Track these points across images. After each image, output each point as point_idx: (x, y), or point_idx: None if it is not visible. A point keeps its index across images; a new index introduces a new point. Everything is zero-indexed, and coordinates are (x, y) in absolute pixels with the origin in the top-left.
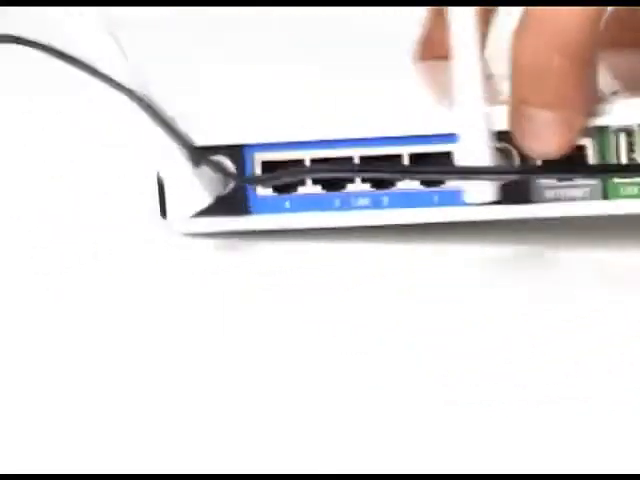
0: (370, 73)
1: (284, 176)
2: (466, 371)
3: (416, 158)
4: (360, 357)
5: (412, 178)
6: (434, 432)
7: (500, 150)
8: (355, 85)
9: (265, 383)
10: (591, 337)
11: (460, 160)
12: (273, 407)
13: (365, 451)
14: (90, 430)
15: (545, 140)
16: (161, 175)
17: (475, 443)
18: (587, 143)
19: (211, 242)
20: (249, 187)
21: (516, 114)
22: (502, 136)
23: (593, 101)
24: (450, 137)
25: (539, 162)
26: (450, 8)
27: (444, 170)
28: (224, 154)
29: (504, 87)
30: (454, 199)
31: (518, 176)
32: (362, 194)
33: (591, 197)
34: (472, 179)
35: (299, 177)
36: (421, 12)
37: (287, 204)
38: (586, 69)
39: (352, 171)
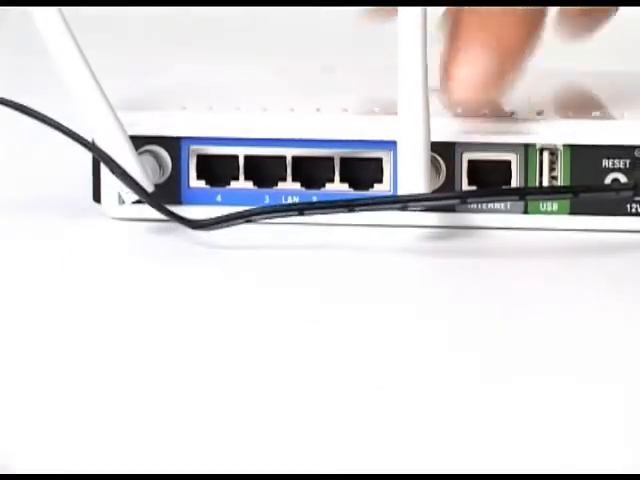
0: (313, 73)
1: (231, 219)
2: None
3: (347, 162)
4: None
5: (356, 211)
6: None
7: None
8: (297, 85)
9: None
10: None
11: (398, 169)
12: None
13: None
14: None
15: (472, 65)
16: (104, 155)
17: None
18: (512, 159)
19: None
20: (182, 179)
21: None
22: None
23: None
24: (384, 144)
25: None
26: (399, 13)
27: (384, 201)
28: (160, 145)
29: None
30: None
31: (456, 201)
32: (292, 192)
33: (512, 211)
34: (410, 208)
35: (246, 219)
36: None
37: (219, 197)
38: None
39: (297, 210)
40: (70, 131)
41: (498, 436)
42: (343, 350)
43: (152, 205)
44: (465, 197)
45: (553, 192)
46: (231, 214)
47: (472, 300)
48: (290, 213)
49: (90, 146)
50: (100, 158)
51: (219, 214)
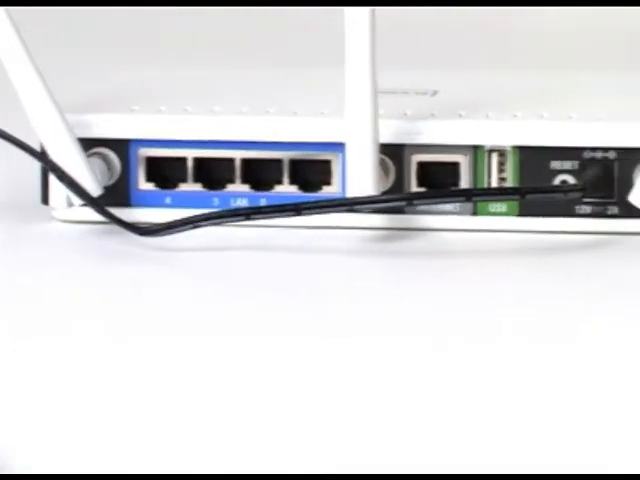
0: (264, 76)
1: (178, 226)
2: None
3: (296, 164)
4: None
5: (303, 214)
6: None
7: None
8: (244, 88)
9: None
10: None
11: (346, 171)
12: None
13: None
14: None
15: None
16: (52, 163)
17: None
18: (461, 160)
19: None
20: (131, 181)
21: None
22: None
23: None
24: (332, 146)
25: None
26: (345, 15)
27: (331, 204)
28: (109, 148)
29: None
30: None
31: (403, 202)
32: (241, 194)
33: (461, 212)
34: (358, 210)
35: (193, 225)
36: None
37: (168, 200)
38: None
39: (244, 215)
40: (17, 140)
41: (455, 439)
42: (288, 352)
43: (99, 212)
44: (411, 199)
45: (499, 193)
46: (178, 220)
47: (420, 301)
48: (237, 218)
49: (38, 155)
50: (48, 166)
51: (168, 217)
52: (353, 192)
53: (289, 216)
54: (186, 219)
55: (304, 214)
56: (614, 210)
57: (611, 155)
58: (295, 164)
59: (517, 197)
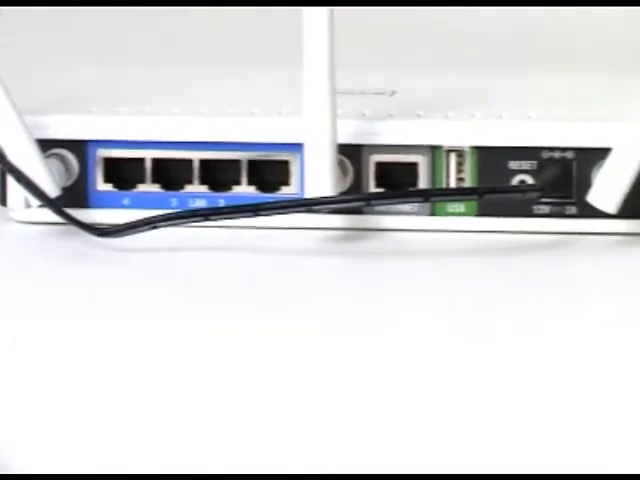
0: (222, 76)
1: (136, 227)
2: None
3: (254, 165)
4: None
5: (261, 215)
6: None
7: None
8: (202, 88)
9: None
10: None
11: (304, 171)
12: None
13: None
14: None
15: None
16: (9, 164)
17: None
18: (419, 161)
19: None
20: (89, 182)
21: None
22: (339, 149)
23: None
24: (290, 146)
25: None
26: (304, 15)
27: (288, 205)
28: (67, 149)
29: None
30: None
31: (361, 203)
32: (199, 195)
33: (419, 212)
34: (316, 211)
35: (151, 226)
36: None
37: (126, 200)
38: None
39: (203, 216)
40: None
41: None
42: (245, 352)
43: (57, 213)
44: (370, 199)
45: (458, 193)
46: (136, 221)
47: (377, 301)
48: (195, 219)
49: None
50: (5, 168)
51: (126, 218)
52: (311, 193)
53: (248, 217)
54: (145, 220)
55: (263, 215)
56: (572, 210)
57: (569, 155)
58: (253, 165)
59: (475, 197)
